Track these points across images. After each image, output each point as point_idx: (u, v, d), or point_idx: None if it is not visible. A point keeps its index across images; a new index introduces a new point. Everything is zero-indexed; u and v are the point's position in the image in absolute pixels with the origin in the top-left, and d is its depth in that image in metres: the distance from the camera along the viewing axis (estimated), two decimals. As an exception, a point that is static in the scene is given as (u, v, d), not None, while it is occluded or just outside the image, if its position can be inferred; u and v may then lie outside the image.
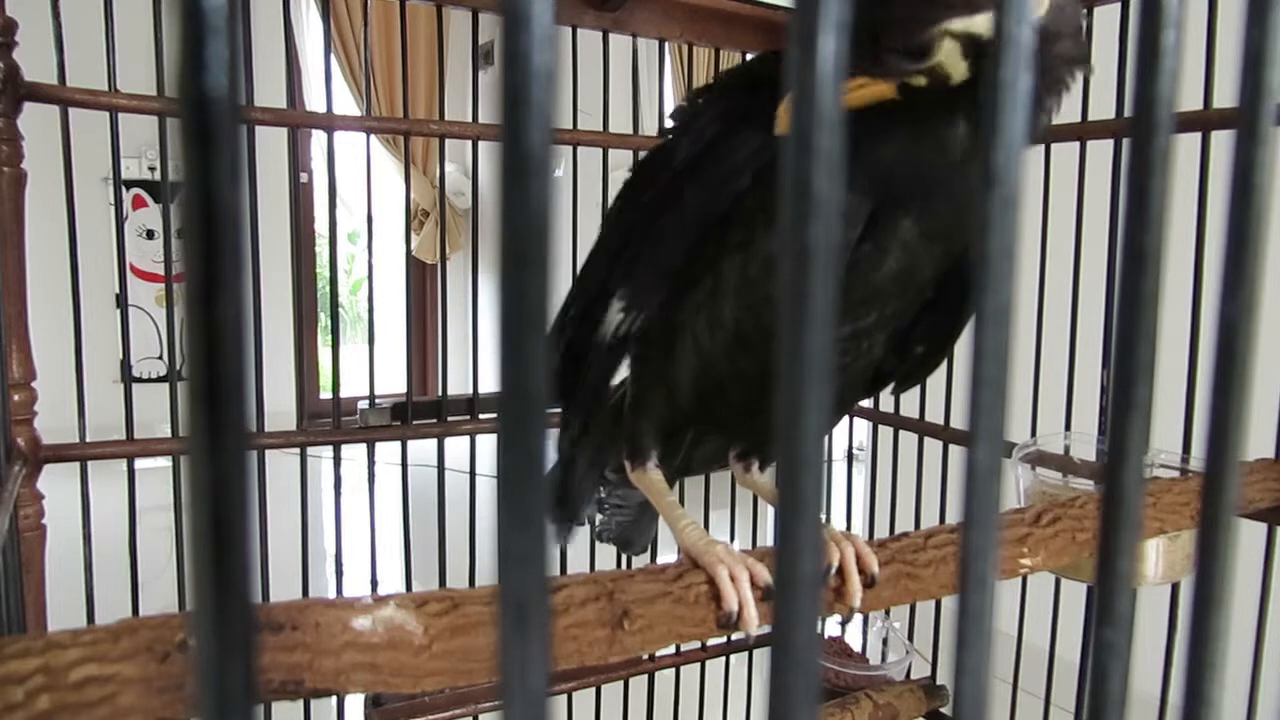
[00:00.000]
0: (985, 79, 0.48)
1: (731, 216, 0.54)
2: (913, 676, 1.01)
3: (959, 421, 0.99)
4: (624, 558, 0.98)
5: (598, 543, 0.87)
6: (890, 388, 0.68)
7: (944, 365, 0.89)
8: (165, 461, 0.90)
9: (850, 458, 1.50)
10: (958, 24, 0.44)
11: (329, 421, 0.93)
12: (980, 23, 0.44)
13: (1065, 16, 0.46)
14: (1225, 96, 0.64)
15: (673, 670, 1.11)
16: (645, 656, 1.06)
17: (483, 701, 0.95)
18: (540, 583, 0.14)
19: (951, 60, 0.45)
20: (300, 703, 0.62)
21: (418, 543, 1.00)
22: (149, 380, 3.47)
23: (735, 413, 0.62)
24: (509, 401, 0.13)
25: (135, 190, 3.52)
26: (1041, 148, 0.93)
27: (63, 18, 0.80)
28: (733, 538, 1.21)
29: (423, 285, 4.13)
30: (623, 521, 0.82)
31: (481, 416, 1.01)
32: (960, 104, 0.47)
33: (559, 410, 0.70)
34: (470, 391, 1.02)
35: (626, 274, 0.58)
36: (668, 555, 0.62)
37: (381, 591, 0.44)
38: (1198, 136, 0.78)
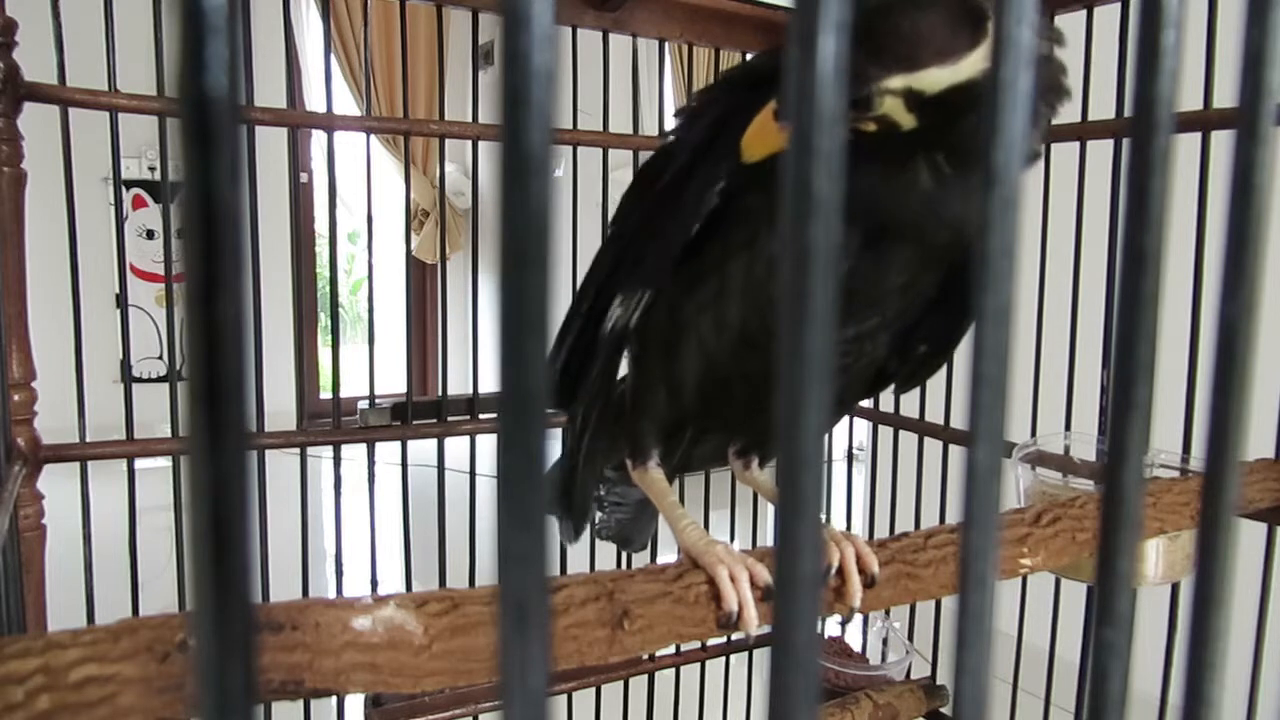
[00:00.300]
0: (935, 127, 0.47)
1: (735, 216, 0.54)
2: (913, 676, 1.01)
3: (959, 421, 0.99)
4: (624, 558, 0.98)
5: (598, 541, 0.87)
6: (892, 387, 0.68)
7: (945, 367, 0.89)
8: (165, 461, 0.90)
9: (850, 458, 1.51)
10: (896, 81, 0.44)
11: (329, 421, 0.93)
12: (923, 78, 0.43)
13: None
14: (1225, 96, 0.64)
15: (673, 670, 1.11)
16: (645, 656, 1.06)
17: (483, 701, 0.95)
18: (540, 583, 0.14)
19: (896, 112, 0.45)
20: (300, 703, 0.63)
21: (418, 543, 1.00)
22: (149, 380, 3.47)
23: (738, 411, 0.62)
24: (509, 401, 0.13)
25: (135, 190, 3.52)
26: (1041, 148, 0.93)
27: (63, 18, 0.80)
28: (733, 538, 1.21)
29: (423, 285, 4.13)
30: (622, 519, 0.82)
31: (481, 416, 1.01)
32: (918, 145, 0.47)
33: (563, 411, 0.70)
34: (470, 391, 1.02)
35: (629, 273, 0.59)
36: (668, 555, 0.62)
37: (381, 591, 0.44)
38: (1198, 136, 0.78)
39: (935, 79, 0.43)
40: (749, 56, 1.08)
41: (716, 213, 0.53)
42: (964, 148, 0.47)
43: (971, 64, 0.43)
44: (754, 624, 0.48)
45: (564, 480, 0.68)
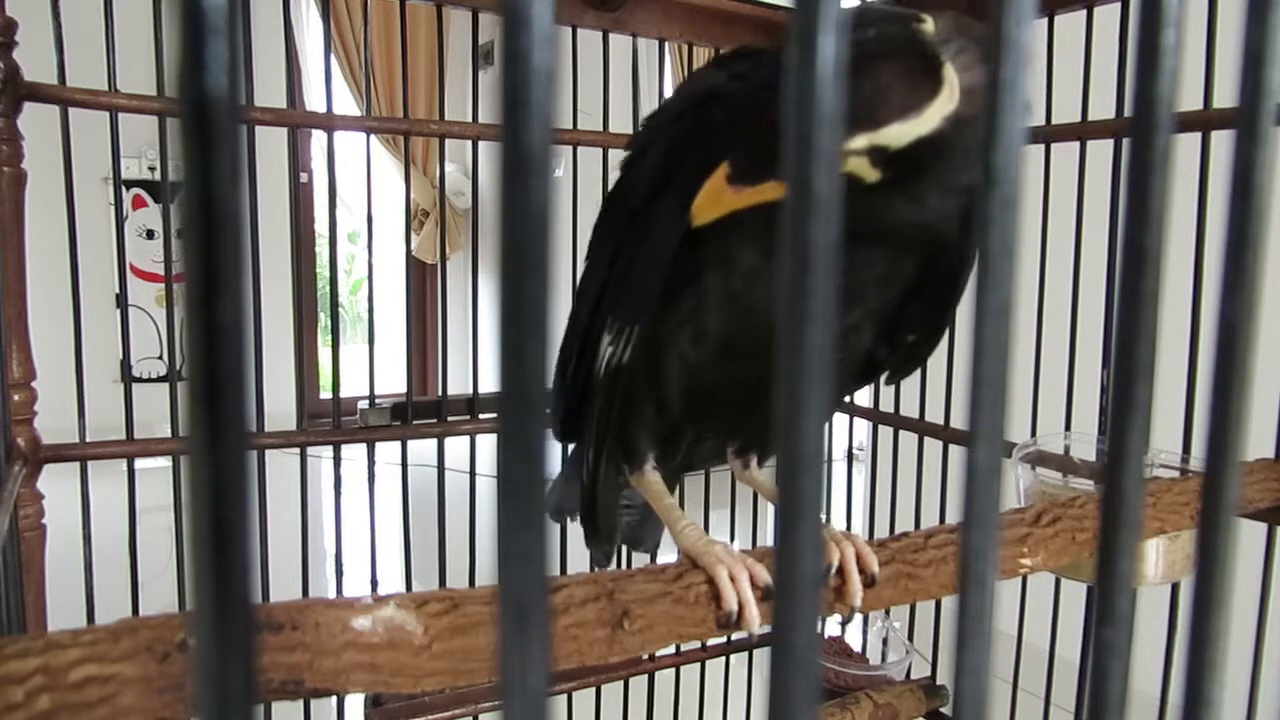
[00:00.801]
0: (902, 177, 0.46)
1: (706, 233, 0.54)
2: (913, 676, 1.01)
3: (959, 421, 0.99)
4: (624, 558, 0.98)
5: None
6: (886, 377, 0.69)
7: (945, 366, 0.89)
8: (165, 461, 0.90)
9: (850, 458, 1.50)
10: (859, 141, 0.43)
11: (329, 421, 0.93)
12: (886, 135, 0.43)
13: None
14: (1225, 96, 0.64)
15: (673, 670, 1.11)
16: (645, 656, 1.06)
17: (483, 701, 0.95)
18: (540, 583, 0.14)
19: (861, 168, 0.45)
20: (300, 703, 0.63)
21: (418, 543, 1.00)
22: (149, 380, 3.47)
23: (729, 413, 0.63)
24: (509, 401, 0.13)
25: (135, 190, 3.52)
26: (1041, 147, 0.93)
27: (63, 18, 0.80)
28: (733, 538, 1.21)
29: (423, 285, 4.13)
30: (631, 521, 0.82)
31: (481, 416, 1.01)
32: (886, 189, 0.47)
33: (567, 443, 0.71)
34: (470, 391, 1.02)
35: (612, 311, 0.60)
36: (668, 555, 0.62)
37: (381, 591, 0.44)
38: (1198, 136, 0.78)
39: (899, 134, 0.43)
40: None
41: (686, 233, 0.54)
42: (933, 189, 0.47)
43: (934, 114, 0.43)
44: (756, 623, 0.48)
45: (585, 506, 0.69)
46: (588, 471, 0.66)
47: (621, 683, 1.07)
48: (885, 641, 1.06)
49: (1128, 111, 0.22)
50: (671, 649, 1.08)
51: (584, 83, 1.03)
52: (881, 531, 1.13)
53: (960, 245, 0.55)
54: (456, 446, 1.01)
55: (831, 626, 1.09)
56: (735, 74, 0.55)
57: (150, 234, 3.58)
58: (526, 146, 0.13)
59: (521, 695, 0.14)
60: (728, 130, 0.50)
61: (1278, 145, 0.18)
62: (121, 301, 1.12)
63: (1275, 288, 0.49)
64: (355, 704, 1.08)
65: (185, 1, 0.12)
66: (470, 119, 0.98)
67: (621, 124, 1.03)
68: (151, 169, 3.46)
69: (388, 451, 0.97)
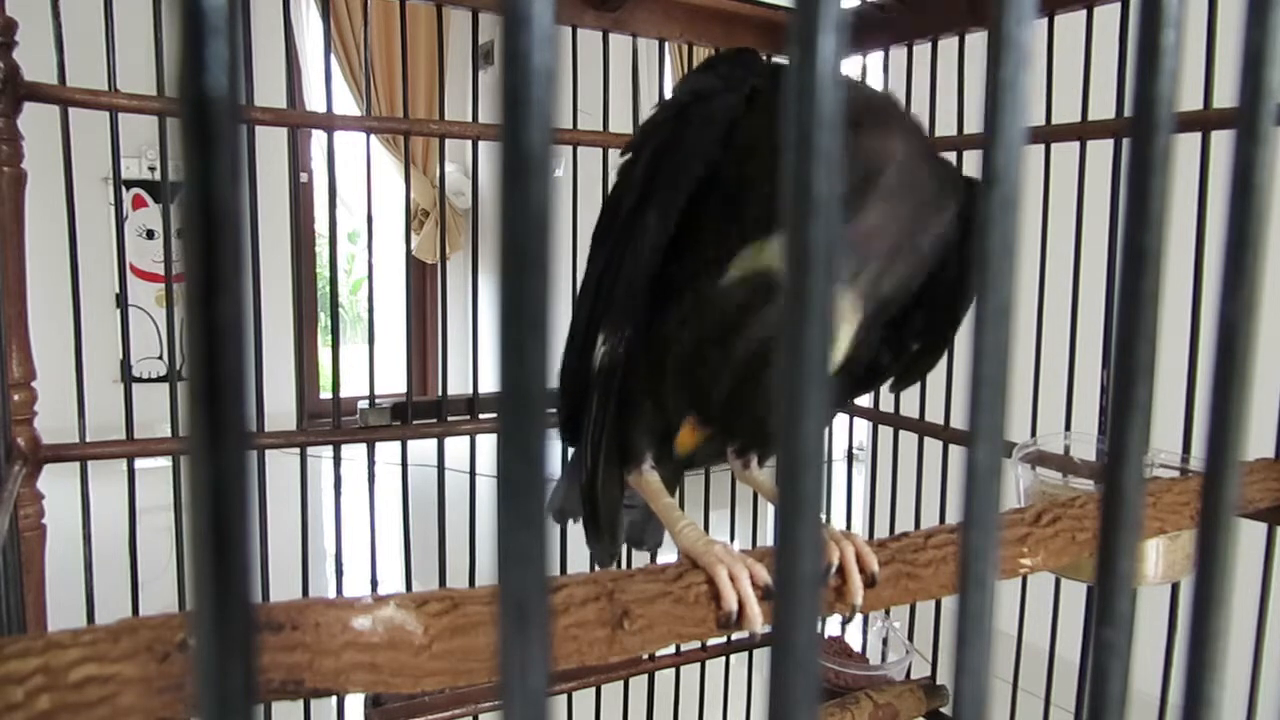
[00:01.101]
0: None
1: (700, 233, 0.55)
2: (913, 676, 1.01)
3: (959, 421, 0.99)
4: (624, 558, 0.98)
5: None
6: (889, 384, 0.69)
7: (945, 365, 0.89)
8: (165, 461, 0.90)
9: (850, 458, 1.50)
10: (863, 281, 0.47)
11: (329, 421, 0.93)
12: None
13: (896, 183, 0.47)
14: (1225, 96, 0.64)
15: (673, 670, 1.11)
16: (645, 656, 1.06)
17: (483, 701, 0.95)
18: (540, 583, 0.14)
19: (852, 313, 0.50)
20: (300, 703, 0.63)
21: (418, 543, 1.00)
22: (149, 380, 3.47)
23: (725, 413, 0.63)
24: (509, 401, 0.13)
25: (135, 190, 3.52)
26: (1041, 147, 0.93)
27: (63, 18, 0.80)
28: (733, 538, 1.21)
29: (423, 285, 4.13)
30: (633, 521, 0.82)
31: (481, 416, 1.01)
32: None
33: (575, 445, 0.72)
34: (470, 391, 1.02)
35: (606, 315, 0.61)
36: (668, 555, 0.62)
37: (381, 591, 0.44)
38: (1198, 136, 0.78)
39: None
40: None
41: (679, 233, 0.55)
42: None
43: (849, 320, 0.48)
44: (757, 620, 0.48)
45: (588, 508, 0.69)
46: (586, 471, 0.66)
47: (621, 683, 1.07)
48: (885, 641, 1.06)
49: (1128, 111, 0.22)
50: (671, 649, 1.08)
51: (584, 83, 1.03)
52: (881, 531, 1.13)
53: (961, 255, 0.55)
54: (456, 446, 1.01)
55: (831, 626, 1.09)
56: (721, 76, 0.56)
57: (150, 234, 3.58)
58: (526, 146, 0.13)
59: (521, 695, 0.14)
60: (706, 140, 0.53)
61: (1278, 145, 0.18)
62: (121, 301, 1.12)
63: (1275, 288, 0.49)
64: (355, 704, 1.08)
65: (185, 1, 0.12)
66: (470, 119, 0.98)
67: (621, 124, 1.03)
68: (151, 169, 3.46)
69: (388, 451, 0.97)
